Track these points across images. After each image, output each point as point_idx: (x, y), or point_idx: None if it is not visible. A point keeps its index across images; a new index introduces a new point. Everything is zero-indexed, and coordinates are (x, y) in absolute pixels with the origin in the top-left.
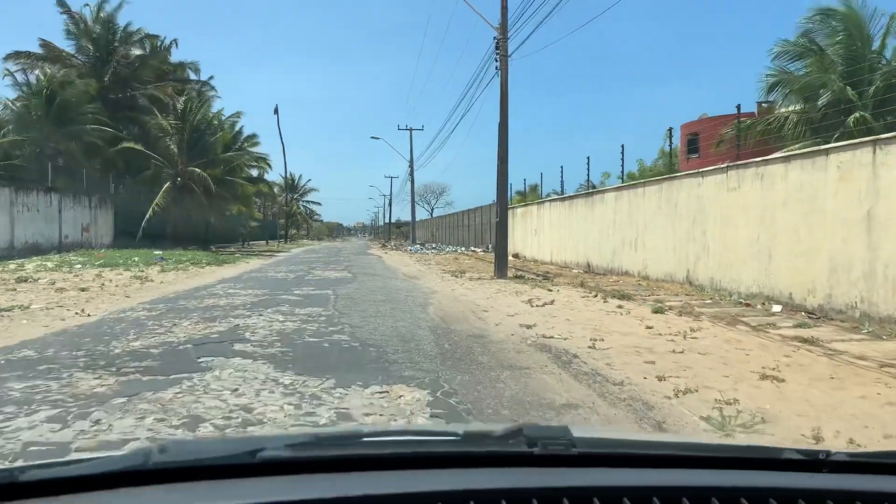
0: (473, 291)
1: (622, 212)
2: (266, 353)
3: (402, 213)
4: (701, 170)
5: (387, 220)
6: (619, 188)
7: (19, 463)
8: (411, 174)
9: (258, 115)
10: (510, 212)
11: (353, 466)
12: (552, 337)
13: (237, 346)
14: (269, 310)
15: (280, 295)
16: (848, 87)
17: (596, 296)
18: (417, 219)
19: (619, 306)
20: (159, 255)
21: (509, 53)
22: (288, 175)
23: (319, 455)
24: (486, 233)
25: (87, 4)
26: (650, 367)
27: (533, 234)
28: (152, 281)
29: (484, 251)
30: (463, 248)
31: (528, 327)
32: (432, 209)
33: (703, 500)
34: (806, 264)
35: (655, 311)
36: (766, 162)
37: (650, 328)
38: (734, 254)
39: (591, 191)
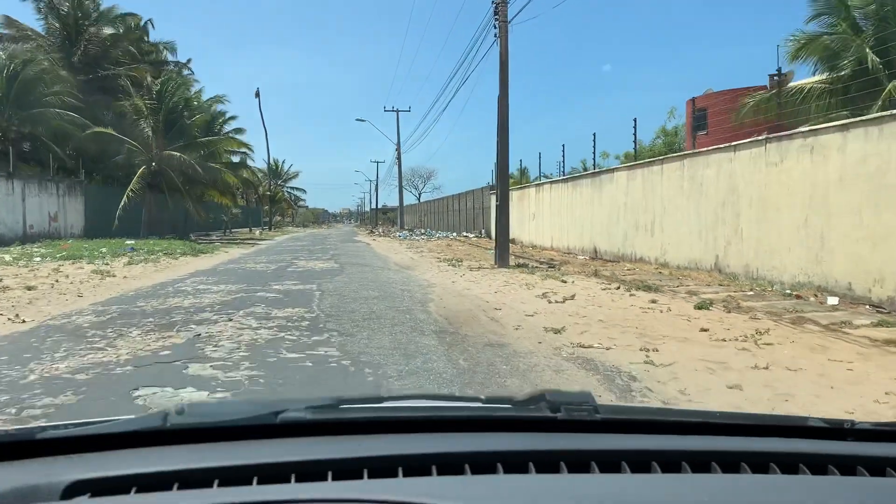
0: (477, 284)
1: (635, 193)
2: (229, 379)
3: (388, 198)
4: (733, 143)
5: (373, 206)
6: (631, 166)
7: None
8: (398, 157)
9: (239, 101)
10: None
11: (375, 429)
12: (591, 346)
13: (192, 369)
14: (241, 312)
15: (257, 292)
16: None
17: (618, 287)
18: (405, 204)
19: (653, 301)
20: (130, 246)
21: (509, 19)
22: (271, 161)
23: (342, 417)
24: (479, 217)
25: None
26: (739, 397)
27: (531, 218)
28: (115, 276)
29: (477, 237)
30: (454, 234)
31: (557, 332)
32: (420, 194)
33: (731, 466)
34: (870, 250)
35: (699, 307)
36: (817, 131)
37: (706, 331)
38: (775, 238)
39: (598, 170)
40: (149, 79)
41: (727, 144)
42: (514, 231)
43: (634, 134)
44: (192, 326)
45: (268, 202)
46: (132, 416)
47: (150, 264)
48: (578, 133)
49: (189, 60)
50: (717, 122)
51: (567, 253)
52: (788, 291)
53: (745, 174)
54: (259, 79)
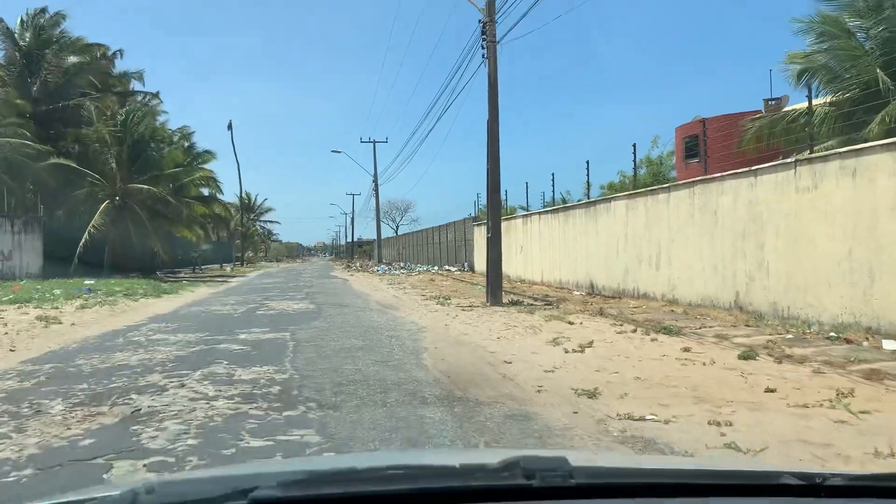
0: (474, 327)
1: (637, 223)
2: None
3: (363, 231)
4: (753, 168)
5: (349, 240)
6: (631, 195)
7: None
8: (375, 189)
9: (212, 134)
10: (485, 227)
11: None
12: (643, 419)
13: (117, 471)
14: (197, 374)
15: (219, 343)
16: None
17: (634, 330)
18: (382, 237)
19: (685, 349)
20: (87, 287)
21: (498, 39)
22: (243, 194)
23: (315, 494)
24: (461, 250)
25: (26, 12)
26: None
27: (518, 250)
28: (61, 322)
29: (460, 270)
30: (436, 268)
31: (591, 396)
32: (397, 226)
33: None
34: None
35: (744, 357)
36: (860, 152)
37: (772, 391)
38: (810, 273)
39: (593, 200)
40: (113, 108)
41: (746, 169)
42: (506, 265)
43: (634, 160)
44: (133, 396)
45: (240, 237)
46: (103, 494)
47: (107, 308)
48: (554, 164)
49: (158, 92)
50: (712, 148)
51: (560, 288)
52: (834, 334)
53: (770, 201)
54: (231, 112)
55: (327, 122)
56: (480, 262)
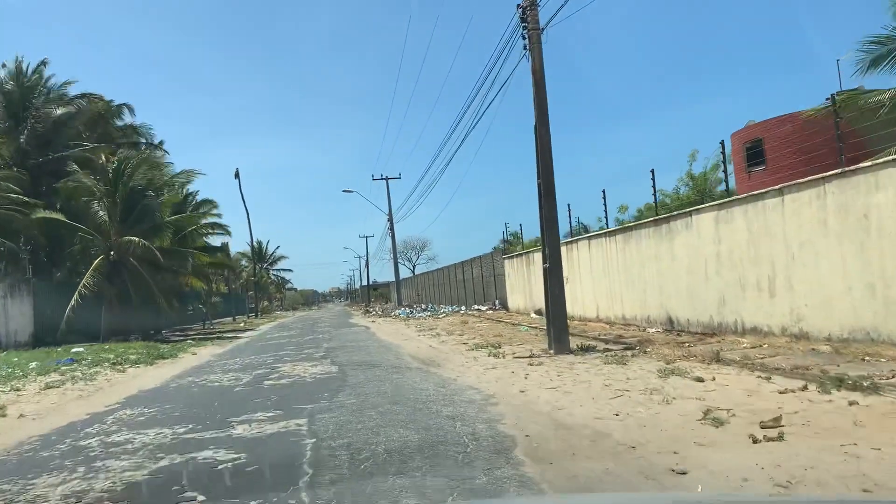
0: (564, 393)
1: (734, 239)
2: None
3: (377, 274)
4: None
5: (363, 283)
6: (722, 204)
7: None
8: (391, 227)
9: (220, 189)
10: (518, 260)
11: None
12: None
13: None
14: None
15: (203, 447)
16: None
17: (804, 387)
18: (399, 277)
19: None
20: (70, 357)
21: (541, 25)
22: (254, 243)
23: None
24: (491, 287)
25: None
26: None
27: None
28: (5, 415)
29: (492, 309)
30: (463, 308)
31: None
32: (414, 266)
33: None
34: None
35: None
36: None
37: None
38: None
39: (664, 216)
40: (102, 158)
41: None
42: (539, 299)
43: (654, 184)
44: None
45: (252, 287)
46: None
47: (80, 385)
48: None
49: (161, 142)
50: (778, 153)
51: (625, 324)
52: None
53: None
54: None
55: (337, 168)
56: (515, 298)
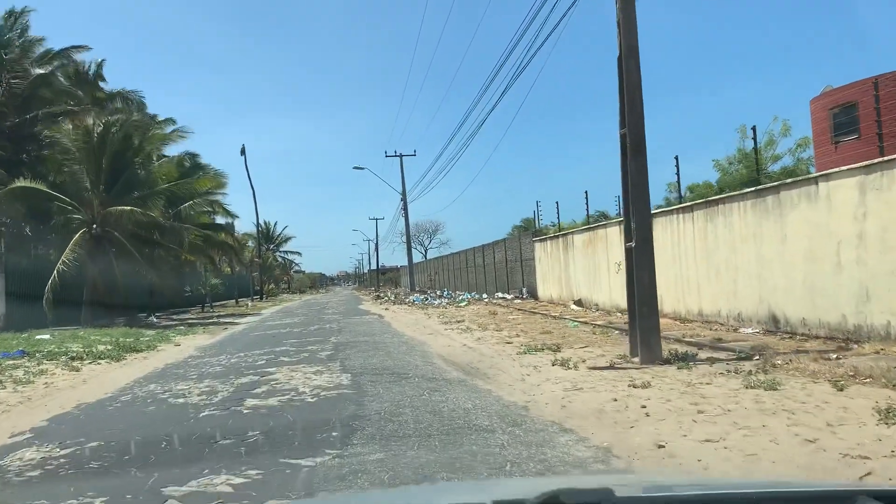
0: (741, 452)
1: (894, 214)
2: None
3: (386, 259)
4: None
5: (372, 267)
6: (874, 166)
7: None
8: (404, 207)
9: (226, 170)
10: (552, 242)
11: None
12: None
13: None
14: None
15: None
16: None
17: None
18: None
19: None
20: (20, 350)
21: None
22: (261, 223)
23: None
24: (517, 273)
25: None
26: None
27: (614, 269)
28: None
29: (519, 298)
30: (485, 296)
31: None
32: (426, 250)
33: None
34: None
35: None
36: None
37: None
38: None
39: (776, 183)
40: (90, 121)
41: None
42: (580, 288)
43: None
44: None
45: (258, 269)
46: None
47: (4, 393)
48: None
49: (172, 119)
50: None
51: (704, 322)
52: None
53: None
54: (249, 145)
55: (348, 150)
56: (548, 287)
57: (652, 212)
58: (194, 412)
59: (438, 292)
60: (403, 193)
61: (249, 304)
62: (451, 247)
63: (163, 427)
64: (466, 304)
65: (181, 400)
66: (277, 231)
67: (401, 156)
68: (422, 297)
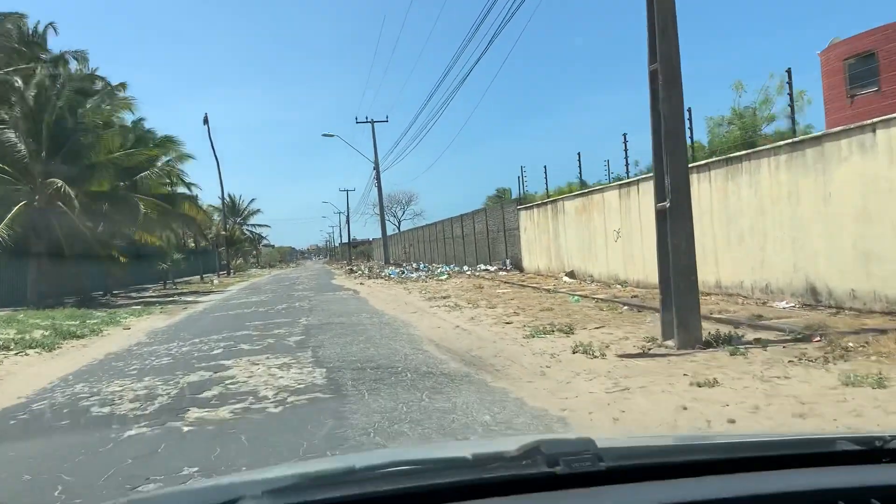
0: None
1: None
2: None
3: (358, 231)
4: None
5: (344, 240)
6: None
7: None
8: (377, 176)
9: (191, 144)
10: (540, 210)
11: None
12: None
13: None
14: None
15: None
16: None
17: None
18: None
19: None
20: None
21: None
22: (227, 196)
23: (306, 500)
24: (499, 244)
25: None
26: None
27: (612, 238)
28: None
29: (503, 270)
30: (466, 269)
31: None
32: (399, 222)
33: None
34: None
35: None
36: None
37: None
38: None
39: (817, 134)
40: (18, 82)
41: None
42: (571, 258)
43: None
44: None
45: (224, 243)
46: None
47: None
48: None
49: (123, 84)
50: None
51: (725, 295)
52: None
53: None
54: (215, 118)
55: (317, 122)
56: (534, 258)
57: (644, 176)
58: (118, 431)
59: (414, 265)
60: (376, 162)
61: (215, 280)
62: (425, 218)
63: (68, 457)
64: (447, 278)
65: (107, 409)
66: (244, 204)
67: (372, 122)
68: (397, 270)
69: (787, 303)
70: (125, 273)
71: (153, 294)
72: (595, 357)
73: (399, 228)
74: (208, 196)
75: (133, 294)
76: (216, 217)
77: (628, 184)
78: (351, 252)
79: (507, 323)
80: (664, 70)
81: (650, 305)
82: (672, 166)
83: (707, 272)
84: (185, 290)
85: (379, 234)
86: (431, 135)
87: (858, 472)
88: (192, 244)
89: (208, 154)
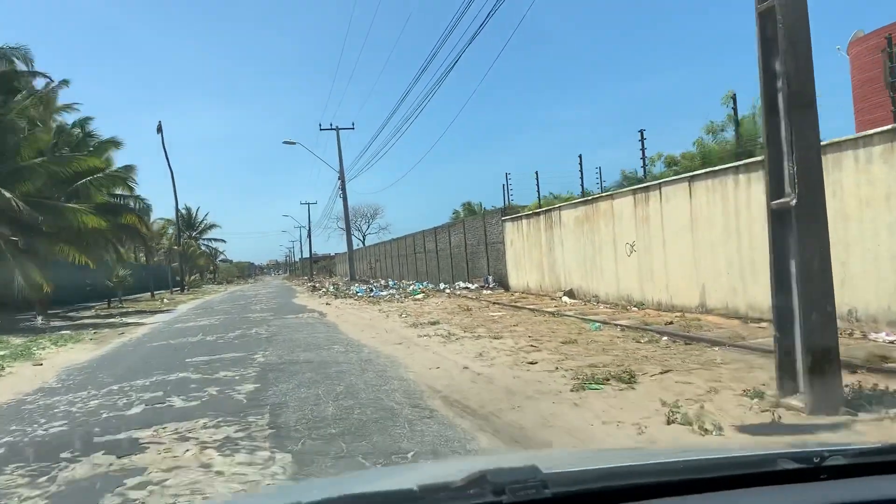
0: None
1: None
2: None
3: (320, 247)
4: None
5: (305, 255)
6: None
7: None
8: (342, 187)
9: (145, 158)
10: (530, 222)
11: None
12: None
13: None
14: None
15: None
16: None
17: None
18: (346, 249)
19: None
20: None
21: None
22: (182, 209)
23: None
24: (479, 259)
25: None
26: None
27: (624, 251)
28: None
29: (485, 288)
30: (442, 286)
31: None
32: (364, 236)
33: None
34: None
35: None
36: None
37: None
38: None
39: None
40: None
41: None
42: (569, 275)
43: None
44: None
45: (177, 258)
46: None
47: None
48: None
49: (66, 81)
50: None
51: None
52: None
53: None
54: (173, 133)
55: (276, 136)
56: (523, 275)
57: (696, 173)
58: None
59: (383, 282)
60: (341, 171)
61: (167, 297)
62: (391, 232)
63: None
64: (424, 297)
65: None
66: (200, 217)
67: (337, 129)
68: (364, 287)
69: (886, 334)
70: (69, 291)
71: (94, 314)
72: (706, 432)
73: (364, 243)
74: (164, 210)
75: (74, 314)
76: (171, 231)
77: (646, 188)
78: (312, 267)
79: (531, 363)
80: (784, 7)
81: (700, 336)
82: (798, 150)
83: (751, 293)
84: (130, 310)
85: (342, 249)
86: (396, 148)
87: (799, 492)
88: (144, 259)
89: (164, 169)
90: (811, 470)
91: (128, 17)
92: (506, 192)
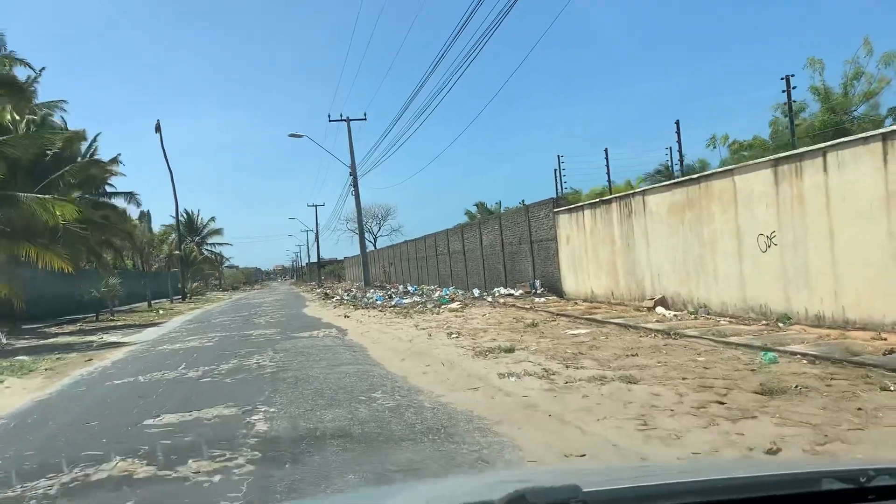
0: None
1: None
2: None
3: (328, 251)
4: None
5: (312, 259)
6: None
7: None
8: (354, 184)
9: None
10: (600, 211)
11: None
12: None
13: None
14: None
15: None
16: None
17: None
18: (356, 253)
19: None
20: None
21: None
22: (184, 212)
23: None
24: (522, 260)
25: None
26: None
27: (758, 245)
28: None
29: (530, 295)
30: (477, 292)
31: None
32: (375, 238)
33: None
34: None
35: None
36: None
37: None
38: None
39: None
40: None
41: None
42: (665, 282)
43: None
44: None
45: (178, 264)
46: None
47: None
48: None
49: (43, 69)
50: None
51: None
52: None
53: None
54: (178, 140)
55: (282, 141)
56: (584, 279)
57: (778, 156)
58: None
59: (403, 288)
60: (353, 164)
61: (166, 306)
62: (403, 234)
63: None
64: (462, 308)
65: None
66: (203, 221)
67: (348, 120)
68: (382, 294)
69: None
70: (51, 302)
71: (77, 328)
72: None
73: (375, 245)
74: (167, 218)
75: (52, 329)
76: (173, 237)
77: (799, 155)
78: (320, 272)
79: (770, 452)
80: None
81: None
82: None
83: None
84: (118, 323)
85: (350, 252)
86: (402, 150)
87: None
88: (142, 265)
89: (166, 175)
90: (857, 490)
91: (128, 18)
92: (558, 178)
